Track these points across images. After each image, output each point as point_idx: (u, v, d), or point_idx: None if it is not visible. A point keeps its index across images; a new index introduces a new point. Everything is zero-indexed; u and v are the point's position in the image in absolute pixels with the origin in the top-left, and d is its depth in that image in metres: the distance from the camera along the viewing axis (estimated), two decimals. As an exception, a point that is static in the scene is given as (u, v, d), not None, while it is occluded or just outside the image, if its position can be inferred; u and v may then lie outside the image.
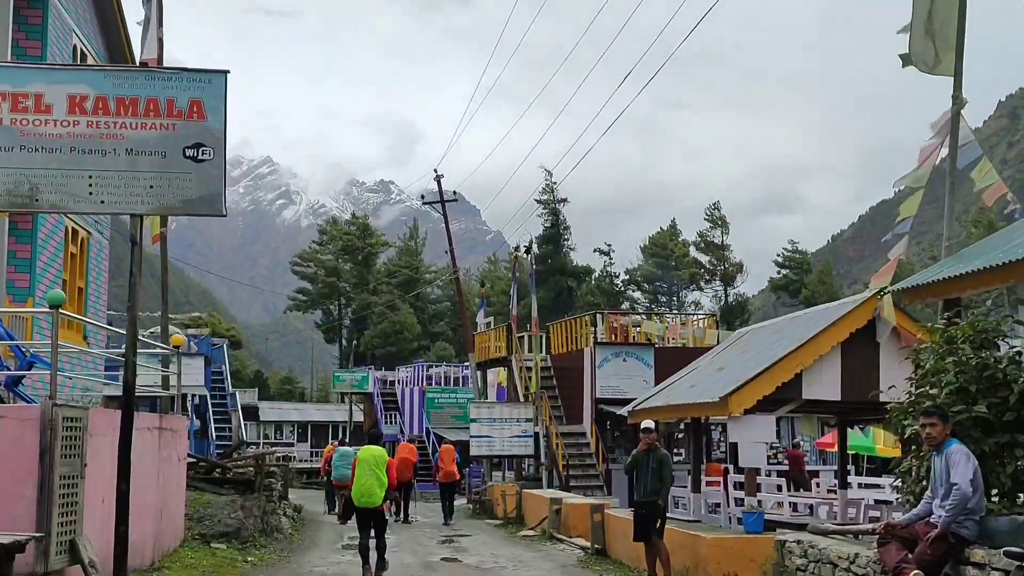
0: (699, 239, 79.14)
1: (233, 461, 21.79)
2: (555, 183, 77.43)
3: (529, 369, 30.21)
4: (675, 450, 29.89)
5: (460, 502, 30.76)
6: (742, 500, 17.87)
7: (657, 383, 28.62)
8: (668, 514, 13.37)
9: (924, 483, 8.35)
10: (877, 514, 15.83)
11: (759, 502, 13.81)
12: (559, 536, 19.15)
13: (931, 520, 7.53)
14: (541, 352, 30.70)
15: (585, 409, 28.77)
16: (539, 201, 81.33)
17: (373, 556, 14.16)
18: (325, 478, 28.08)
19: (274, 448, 41.64)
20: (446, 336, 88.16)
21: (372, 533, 13.91)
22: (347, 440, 35.73)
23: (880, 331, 13.50)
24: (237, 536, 17.11)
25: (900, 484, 8.96)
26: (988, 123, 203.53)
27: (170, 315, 44.79)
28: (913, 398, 8.66)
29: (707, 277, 79.34)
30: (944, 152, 11.18)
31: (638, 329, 30.02)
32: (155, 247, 17.73)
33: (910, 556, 7.37)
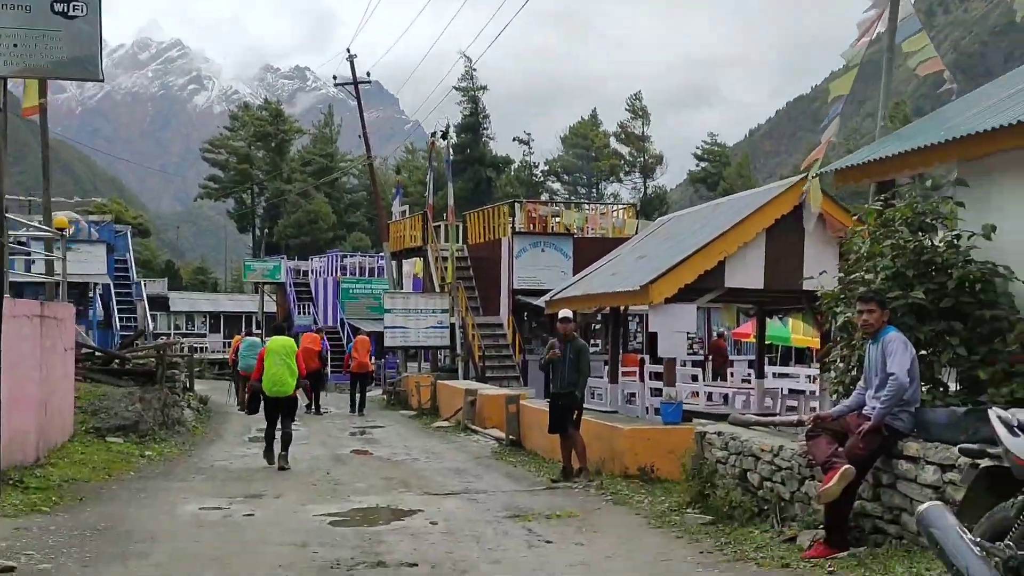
0: (619, 130, 78.48)
1: (133, 351, 20.78)
2: (474, 69, 75.55)
3: (445, 259, 29.48)
4: (592, 341, 29.73)
5: (375, 393, 30.34)
6: (659, 391, 17.63)
7: (575, 274, 28.21)
8: (584, 405, 12.93)
9: (854, 373, 7.92)
10: (794, 403, 15.72)
11: (677, 393, 13.45)
12: (473, 427, 18.74)
13: (864, 412, 7.08)
14: (457, 242, 29.94)
15: (502, 300, 28.25)
16: (458, 88, 79.59)
17: (278, 447, 14.02)
18: (232, 369, 27.41)
19: (183, 339, 40.53)
20: (362, 227, 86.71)
21: (279, 425, 13.96)
22: (258, 331, 34.83)
23: (806, 217, 13.05)
24: (135, 430, 16.31)
25: (829, 375, 8.51)
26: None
27: (74, 201, 42.66)
28: (846, 284, 8.16)
29: (627, 169, 79.06)
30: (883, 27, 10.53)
31: (557, 219, 29.40)
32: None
33: (840, 450, 6.93)
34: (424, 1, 32.24)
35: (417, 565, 7.76)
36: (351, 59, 31.35)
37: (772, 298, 15.87)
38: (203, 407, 23.06)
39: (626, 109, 78.58)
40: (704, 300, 13.40)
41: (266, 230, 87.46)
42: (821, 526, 7.35)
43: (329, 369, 36.66)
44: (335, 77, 31.92)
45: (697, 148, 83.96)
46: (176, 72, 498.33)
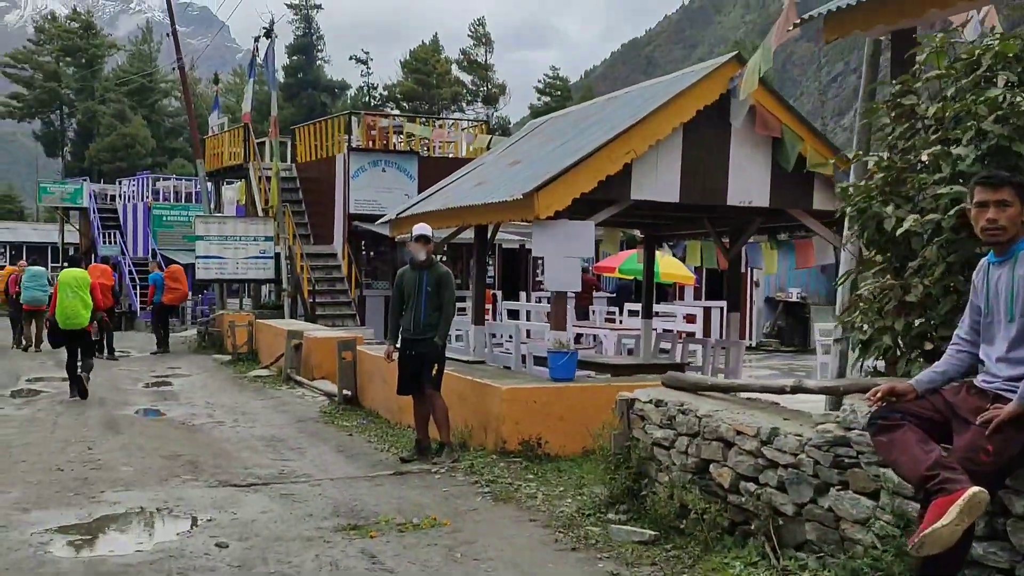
0: (462, 57, 74.40)
1: None
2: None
3: (269, 179, 25.44)
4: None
5: (189, 333, 26.27)
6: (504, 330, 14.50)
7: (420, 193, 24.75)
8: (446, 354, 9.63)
9: (913, 319, 4.87)
10: (695, 348, 12.87)
11: (569, 339, 10.31)
12: (299, 379, 15.18)
13: (979, 383, 4.06)
14: (284, 160, 25.91)
15: (336, 227, 24.51)
16: (290, 6, 73.86)
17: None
18: (9, 304, 23.11)
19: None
20: (184, 153, 79.91)
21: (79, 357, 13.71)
22: (65, 264, 29.99)
23: (734, 110, 10.03)
24: None
25: (854, 317, 5.43)
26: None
27: None
28: (901, 165, 5.07)
29: (469, 98, 75.25)
30: None
31: (400, 137, 25.74)
32: None
33: (944, 455, 3.86)
34: None
35: (175, 651, 4.36)
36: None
37: (677, 218, 12.88)
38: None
39: (469, 36, 74.60)
40: (604, 216, 10.21)
41: (77, 154, 79.73)
42: None
43: (138, 305, 32.29)
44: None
45: (539, 81, 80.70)
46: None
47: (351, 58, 75.91)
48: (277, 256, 24.17)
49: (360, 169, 24.02)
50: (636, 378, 9.17)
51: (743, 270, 20.06)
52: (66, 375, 13.91)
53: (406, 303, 9.05)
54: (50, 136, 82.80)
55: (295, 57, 73.87)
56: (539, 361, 10.76)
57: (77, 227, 41.04)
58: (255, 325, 19.14)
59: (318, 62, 75.58)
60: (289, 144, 28.02)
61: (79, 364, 13.62)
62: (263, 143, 27.38)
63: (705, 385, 6.56)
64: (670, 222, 13.29)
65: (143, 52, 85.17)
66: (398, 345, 9.22)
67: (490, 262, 27.81)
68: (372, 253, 25.57)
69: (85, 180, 41.77)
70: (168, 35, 26.94)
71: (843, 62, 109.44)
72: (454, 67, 75.04)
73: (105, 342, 20.28)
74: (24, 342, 21.52)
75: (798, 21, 7.02)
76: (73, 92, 79.97)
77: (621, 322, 21.94)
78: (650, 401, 6.49)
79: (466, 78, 74.70)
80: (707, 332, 22.31)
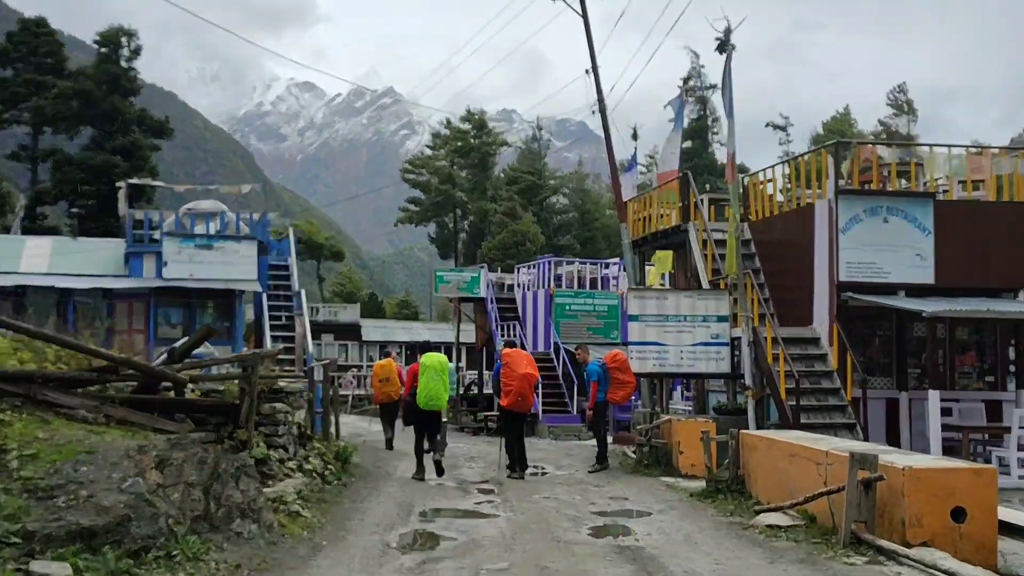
0: (879, 128, 65.55)
1: (201, 367, 11.40)
2: (703, 66, 64.82)
3: (718, 243, 19.24)
4: (961, 367, 18.68)
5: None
6: None
7: (939, 254, 17.31)
8: None
9: None
10: None
11: None
12: (880, 543, 8.26)
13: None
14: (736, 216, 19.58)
15: (817, 302, 17.63)
16: (685, 90, 69.24)
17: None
18: (379, 405, 20.19)
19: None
20: (573, 249, 77.36)
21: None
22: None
23: None
24: (121, 535, 7.14)
25: None
26: None
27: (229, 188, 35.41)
28: None
29: (886, 172, 66.13)
30: None
31: (905, 181, 18.69)
32: None
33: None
34: (641, 52, 22.79)
35: None
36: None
37: None
38: (340, 468, 13.60)
39: (887, 104, 65.67)
40: None
41: (469, 254, 79.74)
42: None
43: (540, 405, 27.23)
44: (550, -12, 22.25)
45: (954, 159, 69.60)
46: (389, 119, 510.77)
47: (767, 124, 69.47)
48: (732, 342, 17.82)
49: (852, 220, 17.15)
50: None
51: None
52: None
53: None
54: (444, 238, 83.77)
55: (687, 143, 68.88)
56: None
57: (473, 318, 37.26)
58: (741, 439, 12.52)
59: (711, 146, 70.08)
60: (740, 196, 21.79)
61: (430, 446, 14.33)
62: (700, 200, 21.44)
63: None
64: None
65: (532, 150, 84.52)
66: None
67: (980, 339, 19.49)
68: (874, 335, 18.33)
69: (482, 267, 38.08)
70: (587, 72, 21.94)
71: None
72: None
73: (516, 452, 14.80)
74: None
75: None
76: (466, 193, 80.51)
77: None
78: None
79: (884, 151, 65.68)
80: None
